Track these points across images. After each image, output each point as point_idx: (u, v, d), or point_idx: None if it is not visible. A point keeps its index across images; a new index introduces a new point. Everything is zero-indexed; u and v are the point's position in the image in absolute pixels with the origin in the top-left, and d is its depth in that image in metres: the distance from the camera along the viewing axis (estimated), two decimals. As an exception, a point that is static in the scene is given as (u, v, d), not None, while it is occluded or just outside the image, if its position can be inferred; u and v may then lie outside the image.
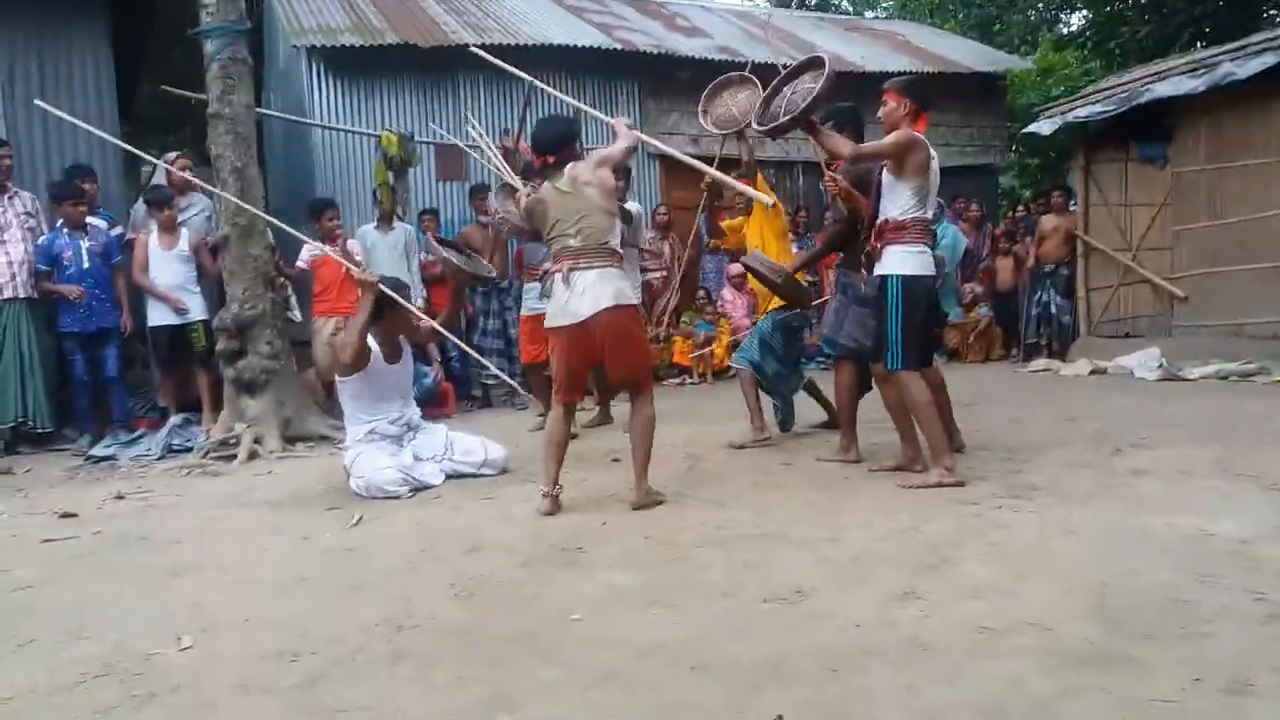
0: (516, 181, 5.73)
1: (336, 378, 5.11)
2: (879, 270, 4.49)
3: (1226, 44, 9.55)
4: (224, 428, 6.33)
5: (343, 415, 6.86)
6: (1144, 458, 4.87)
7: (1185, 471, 4.47)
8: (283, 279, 7.13)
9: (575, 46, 10.63)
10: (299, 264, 7.46)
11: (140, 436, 6.77)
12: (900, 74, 11.98)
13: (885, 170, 4.47)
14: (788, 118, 4.37)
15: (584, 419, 6.84)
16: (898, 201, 4.41)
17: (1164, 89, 9.20)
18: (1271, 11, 15.17)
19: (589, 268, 4.16)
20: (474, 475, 5.12)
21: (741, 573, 3.22)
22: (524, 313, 6.95)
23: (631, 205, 6.73)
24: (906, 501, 4.16)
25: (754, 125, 4.70)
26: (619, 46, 10.97)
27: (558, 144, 4.33)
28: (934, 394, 4.67)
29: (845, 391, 5.26)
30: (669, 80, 11.36)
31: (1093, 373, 8.80)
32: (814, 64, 4.56)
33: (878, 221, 4.51)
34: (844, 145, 4.42)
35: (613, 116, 8.25)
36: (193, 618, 3.01)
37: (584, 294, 4.13)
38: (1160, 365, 8.22)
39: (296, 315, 7.52)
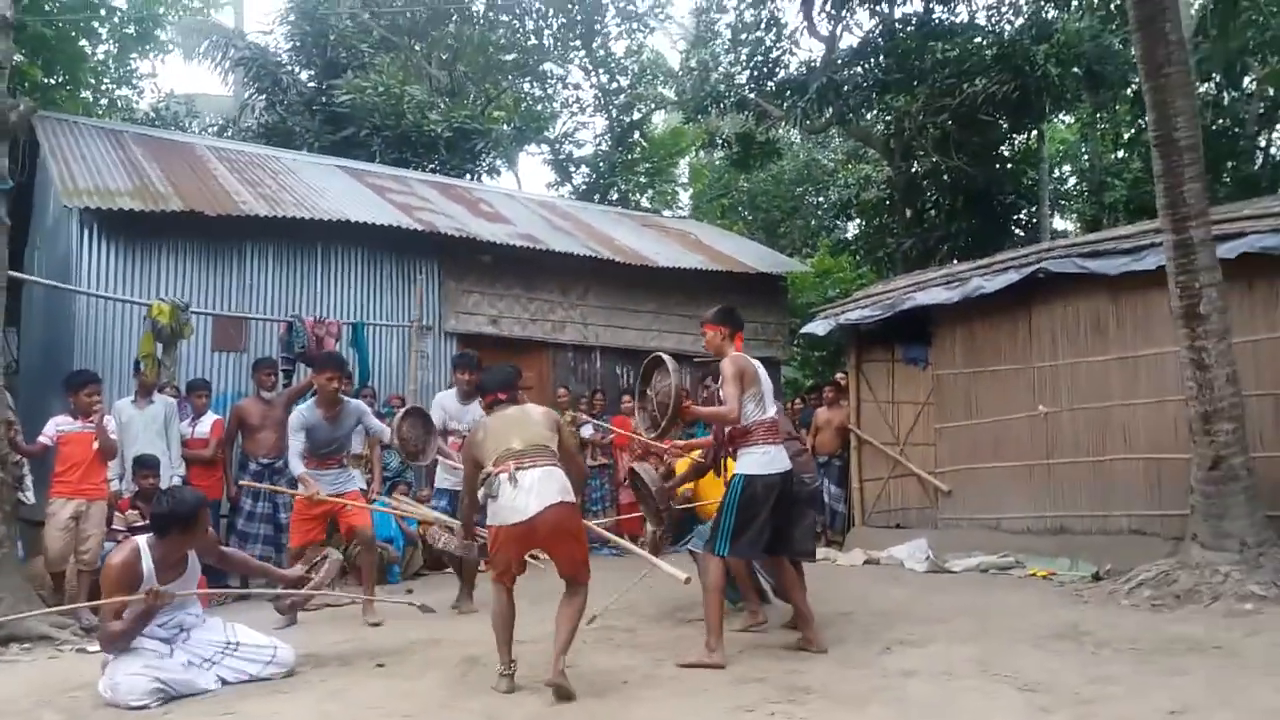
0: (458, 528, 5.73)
1: None
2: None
3: (977, 259, 10.61)
4: (-77, 624, 5.47)
5: (71, 611, 6.21)
6: (912, 656, 4.98)
7: (949, 672, 4.58)
8: (18, 457, 6.43)
9: (373, 225, 10.60)
10: (41, 439, 6.75)
11: None
12: (691, 270, 12.70)
13: (720, 391, 5.07)
14: (666, 421, 5.09)
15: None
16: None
17: (924, 298, 10.05)
18: (1016, 232, 17.14)
19: (533, 466, 4.37)
20: (252, 678, 4.67)
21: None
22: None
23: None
24: (685, 709, 4.05)
25: (647, 438, 5.43)
26: (419, 227, 11.02)
27: (509, 384, 4.88)
28: (793, 586, 5.31)
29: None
30: (471, 263, 11.47)
31: (866, 562, 9.10)
32: (657, 363, 5.27)
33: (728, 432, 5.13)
34: (720, 411, 5.05)
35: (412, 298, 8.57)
36: None
37: (530, 490, 4.29)
38: (927, 557, 8.60)
39: (29, 497, 6.76)
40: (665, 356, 5.19)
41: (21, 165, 9.55)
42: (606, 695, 4.31)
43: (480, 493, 4.49)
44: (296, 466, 6.31)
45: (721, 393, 5.05)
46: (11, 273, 6.66)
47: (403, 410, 6.89)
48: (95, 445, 6.73)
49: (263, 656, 4.77)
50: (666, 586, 7.02)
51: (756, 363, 5.18)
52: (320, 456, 6.39)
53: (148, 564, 4.56)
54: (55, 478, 6.71)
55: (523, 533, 4.34)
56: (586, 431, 10.78)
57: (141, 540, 4.69)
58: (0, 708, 4.30)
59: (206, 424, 7.84)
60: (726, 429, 5.12)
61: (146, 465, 7.01)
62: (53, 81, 14.91)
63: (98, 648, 5.17)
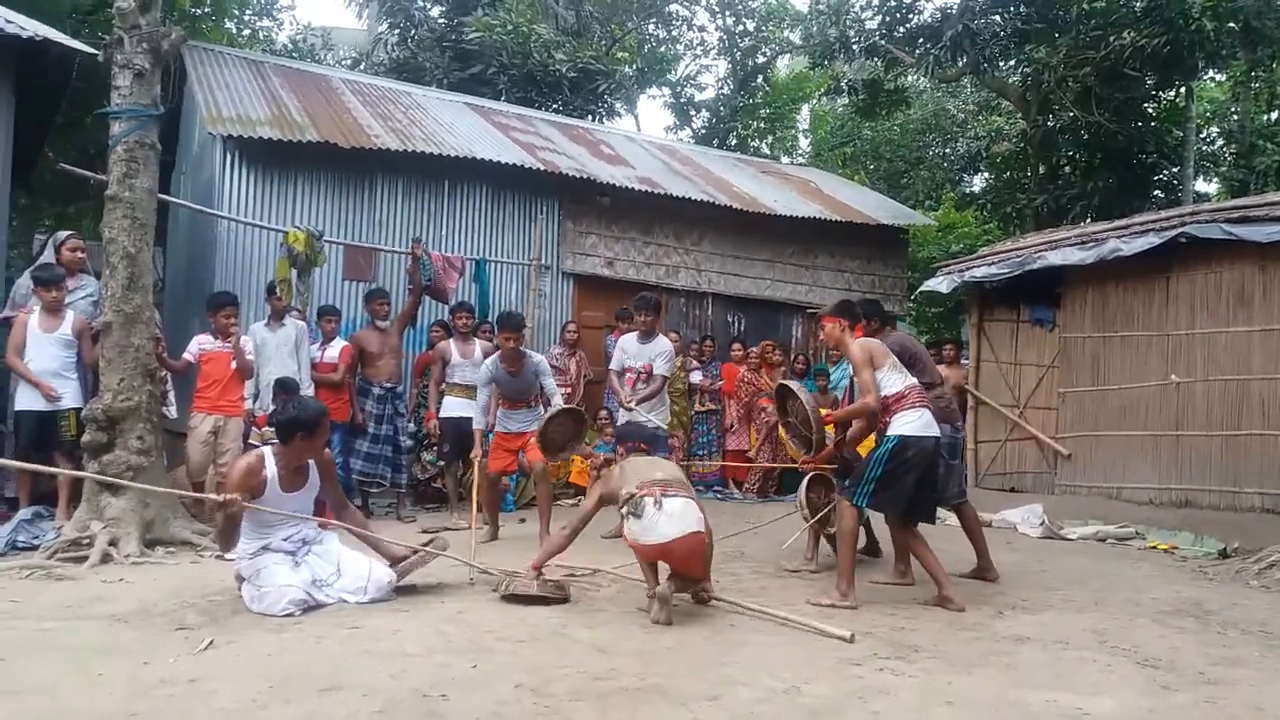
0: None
1: None
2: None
3: (1114, 220, 10.15)
4: (78, 525, 5.85)
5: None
6: (1025, 622, 4.89)
7: (1063, 641, 4.49)
8: (164, 371, 6.81)
9: (498, 163, 10.73)
10: (185, 356, 7.14)
11: (-18, 531, 6.20)
12: (810, 218, 12.47)
13: (860, 375, 5.20)
14: (816, 436, 5.64)
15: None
16: (887, 384, 5.16)
17: (1055, 257, 9.69)
18: (1156, 193, 16.29)
19: (676, 496, 4.73)
20: (347, 602, 4.81)
21: (614, 733, 3.05)
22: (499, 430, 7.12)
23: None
24: (792, 656, 4.07)
25: (805, 457, 5.95)
26: (541, 167, 11.11)
27: (648, 439, 5.58)
28: (922, 551, 5.29)
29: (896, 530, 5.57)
30: (589, 204, 11.54)
31: (979, 524, 8.91)
32: (788, 392, 5.91)
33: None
34: (859, 406, 5.27)
35: (532, 237, 8.83)
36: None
37: (674, 516, 4.64)
38: (1042, 522, 8.39)
39: (172, 411, 7.14)
40: (790, 383, 5.76)
41: (171, 92, 9.95)
42: (717, 637, 4.37)
43: (623, 510, 4.80)
44: (480, 420, 7.02)
45: (858, 381, 5.26)
46: (160, 195, 6.96)
47: (554, 410, 6.49)
48: (233, 365, 7.10)
49: (358, 582, 4.84)
50: (772, 535, 7.07)
51: (877, 341, 5.41)
52: (511, 400, 7.14)
53: (271, 470, 4.79)
54: (196, 393, 7.10)
55: (657, 552, 4.75)
56: (695, 377, 10.83)
57: (267, 449, 4.95)
58: (147, 608, 4.60)
59: (335, 349, 8.12)
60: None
61: (286, 388, 7.29)
62: (199, 12, 15.46)
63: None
